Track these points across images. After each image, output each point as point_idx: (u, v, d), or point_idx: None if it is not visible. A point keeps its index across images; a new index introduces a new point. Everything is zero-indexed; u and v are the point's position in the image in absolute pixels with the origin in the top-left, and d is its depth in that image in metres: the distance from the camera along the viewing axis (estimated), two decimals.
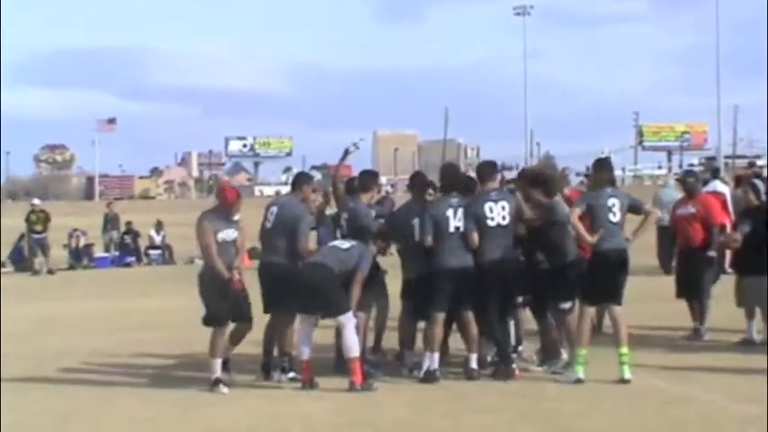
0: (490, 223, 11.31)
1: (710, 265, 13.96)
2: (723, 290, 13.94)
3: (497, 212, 11.35)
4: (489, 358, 11.75)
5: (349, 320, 11.01)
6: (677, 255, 14.47)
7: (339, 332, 11.34)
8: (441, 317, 11.39)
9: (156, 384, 11.82)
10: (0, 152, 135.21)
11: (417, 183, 12.27)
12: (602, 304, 11.70)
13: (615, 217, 11.25)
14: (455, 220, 11.38)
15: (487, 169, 11.98)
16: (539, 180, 11.92)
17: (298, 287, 11.14)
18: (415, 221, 11.57)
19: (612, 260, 11.25)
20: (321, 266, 11.11)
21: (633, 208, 11.47)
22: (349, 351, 11.01)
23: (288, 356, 11.65)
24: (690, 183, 14.56)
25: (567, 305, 11.68)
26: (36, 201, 35.67)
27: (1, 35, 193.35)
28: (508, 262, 11.41)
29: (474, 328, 11.38)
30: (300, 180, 12.32)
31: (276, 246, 11.63)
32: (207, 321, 11.28)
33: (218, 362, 11.20)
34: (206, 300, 11.29)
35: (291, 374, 11.55)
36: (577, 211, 11.25)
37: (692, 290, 13.88)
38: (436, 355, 11.34)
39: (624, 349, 11.14)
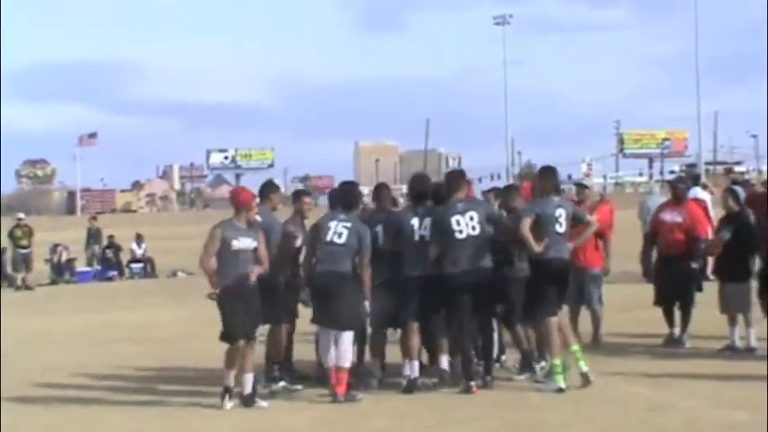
0: (459, 236, 11.26)
1: (694, 275, 13.98)
2: (706, 297, 13.98)
3: (465, 223, 11.29)
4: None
5: (349, 336, 11.11)
6: (657, 261, 14.43)
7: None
8: (415, 325, 11.39)
9: (142, 398, 11.79)
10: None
11: (381, 192, 12.33)
12: (547, 312, 11.46)
13: (561, 228, 11.37)
14: (420, 230, 11.41)
15: (455, 179, 11.90)
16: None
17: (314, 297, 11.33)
18: (379, 228, 11.64)
19: (557, 269, 11.34)
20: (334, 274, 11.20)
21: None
22: (342, 361, 11.03)
23: (279, 365, 11.66)
24: (681, 189, 14.54)
25: None
26: (21, 215, 35.57)
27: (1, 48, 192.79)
28: (480, 271, 11.35)
29: (416, 339, 11.37)
30: (267, 190, 12.28)
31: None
32: (221, 336, 11.04)
33: (231, 373, 10.94)
34: (221, 314, 11.01)
35: (282, 383, 11.56)
36: (528, 221, 11.27)
37: (672, 298, 13.92)
38: (415, 364, 11.36)
39: (557, 360, 11.20)
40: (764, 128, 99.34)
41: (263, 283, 11.13)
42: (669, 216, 14.08)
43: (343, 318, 11.10)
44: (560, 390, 11.04)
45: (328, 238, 11.25)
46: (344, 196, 11.73)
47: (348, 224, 11.29)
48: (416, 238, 11.41)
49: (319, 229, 11.39)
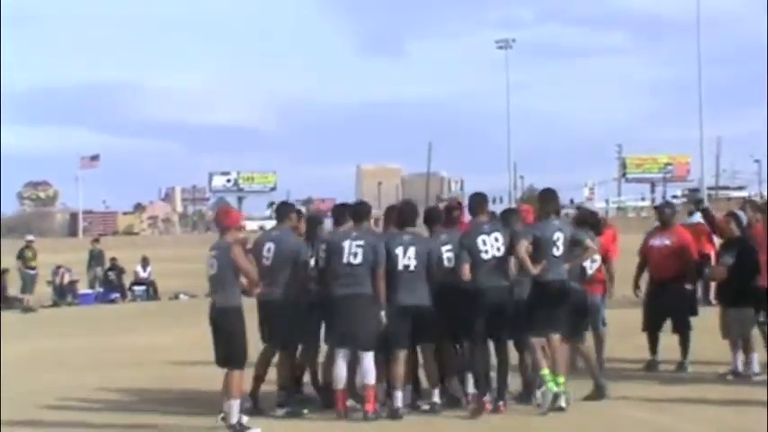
0: (485, 256, 11.33)
1: (685, 298, 13.99)
2: (706, 322, 13.97)
3: (491, 244, 11.36)
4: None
5: (371, 354, 11.13)
6: (648, 287, 14.38)
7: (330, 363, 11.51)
8: (402, 354, 11.35)
9: (143, 420, 11.76)
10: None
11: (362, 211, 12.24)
12: (544, 333, 11.50)
13: (558, 251, 11.43)
14: (404, 259, 11.36)
15: (478, 201, 12.00)
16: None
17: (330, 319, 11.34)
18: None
19: (554, 291, 11.38)
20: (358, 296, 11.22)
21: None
22: (368, 378, 11.05)
23: (286, 390, 11.64)
24: (667, 213, 14.61)
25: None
26: (30, 237, 35.65)
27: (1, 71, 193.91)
28: (502, 291, 11.39)
29: (401, 367, 11.28)
30: (286, 210, 12.30)
31: (277, 280, 11.58)
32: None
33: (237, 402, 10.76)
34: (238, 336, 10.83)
35: (285, 410, 11.53)
36: (525, 243, 11.32)
37: (659, 323, 13.95)
38: (399, 394, 11.24)
39: (561, 378, 11.24)
40: (766, 153, 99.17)
41: (283, 305, 11.29)
42: (658, 241, 14.18)
43: (366, 338, 11.13)
44: (557, 396, 11.12)
45: (345, 259, 11.27)
46: (355, 210, 11.79)
47: (361, 242, 11.33)
48: (400, 267, 11.36)
49: (333, 250, 11.42)
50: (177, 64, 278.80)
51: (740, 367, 13.18)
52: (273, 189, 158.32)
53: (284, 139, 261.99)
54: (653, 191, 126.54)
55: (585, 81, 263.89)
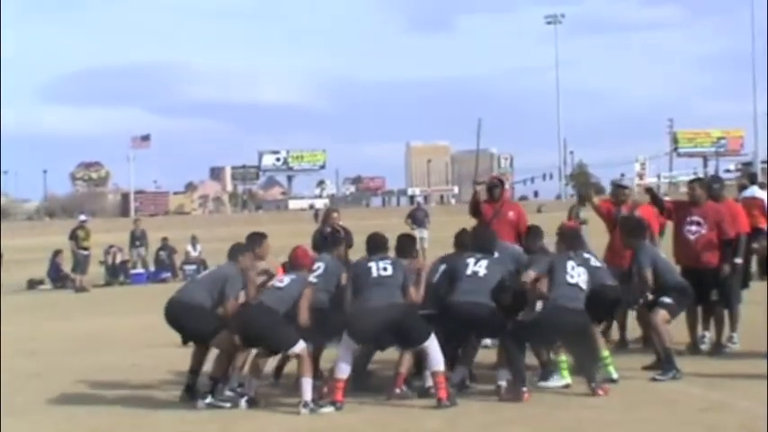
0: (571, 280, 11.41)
1: (734, 271, 13.62)
2: (760, 296, 13.81)
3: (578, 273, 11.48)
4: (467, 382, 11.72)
5: (433, 340, 10.99)
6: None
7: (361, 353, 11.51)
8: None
9: (196, 398, 11.83)
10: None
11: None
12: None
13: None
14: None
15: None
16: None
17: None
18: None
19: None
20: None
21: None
22: (438, 366, 10.96)
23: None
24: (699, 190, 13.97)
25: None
26: (83, 217, 35.91)
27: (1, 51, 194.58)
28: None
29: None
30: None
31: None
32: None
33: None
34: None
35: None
36: (532, 274, 11.44)
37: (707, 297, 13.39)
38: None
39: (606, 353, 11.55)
40: None
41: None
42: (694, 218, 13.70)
43: (415, 335, 11.05)
44: (567, 386, 11.33)
45: (375, 274, 11.28)
46: (401, 244, 11.86)
47: (389, 261, 11.42)
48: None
49: (359, 272, 11.44)
50: (227, 43, 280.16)
51: None
52: (323, 167, 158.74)
53: (333, 117, 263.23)
54: (705, 165, 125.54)
55: (636, 56, 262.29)
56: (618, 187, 14.70)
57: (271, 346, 11.32)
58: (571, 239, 12.09)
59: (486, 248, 11.90)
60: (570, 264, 11.44)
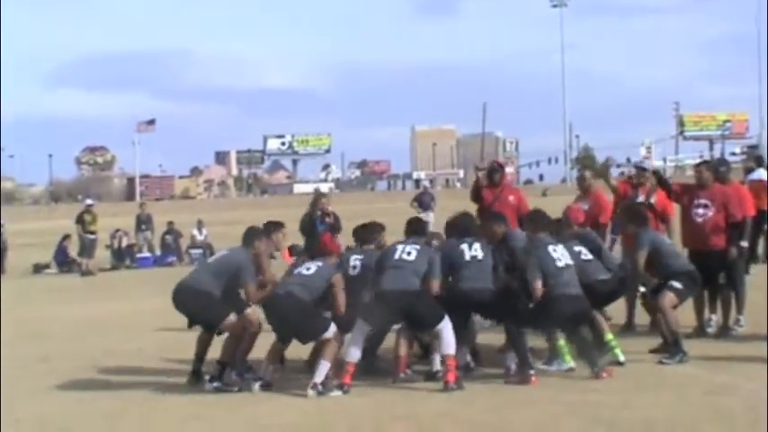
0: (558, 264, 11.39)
1: (741, 254, 13.59)
2: (760, 280, 13.78)
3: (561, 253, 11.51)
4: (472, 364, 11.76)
5: (447, 323, 11.02)
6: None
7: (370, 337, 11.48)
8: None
9: (202, 383, 11.87)
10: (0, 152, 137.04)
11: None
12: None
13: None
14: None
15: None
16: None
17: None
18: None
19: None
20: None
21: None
22: (449, 349, 10.96)
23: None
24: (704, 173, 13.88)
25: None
26: (89, 201, 35.89)
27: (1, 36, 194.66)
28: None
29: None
30: (372, 230, 12.54)
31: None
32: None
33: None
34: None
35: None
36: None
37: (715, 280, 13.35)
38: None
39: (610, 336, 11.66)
40: None
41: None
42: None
43: (429, 318, 11.09)
44: (571, 369, 11.34)
45: (397, 256, 11.29)
46: (414, 229, 11.86)
47: (417, 246, 11.42)
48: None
49: (385, 253, 11.56)
50: (231, 28, 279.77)
51: None
52: (328, 151, 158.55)
53: (338, 101, 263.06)
54: (711, 148, 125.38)
55: (641, 40, 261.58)
56: (638, 170, 14.67)
57: (305, 336, 11.42)
58: (535, 223, 12.07)
59: (471, 232, 11.86)
60: (551, 248, 11.46)
